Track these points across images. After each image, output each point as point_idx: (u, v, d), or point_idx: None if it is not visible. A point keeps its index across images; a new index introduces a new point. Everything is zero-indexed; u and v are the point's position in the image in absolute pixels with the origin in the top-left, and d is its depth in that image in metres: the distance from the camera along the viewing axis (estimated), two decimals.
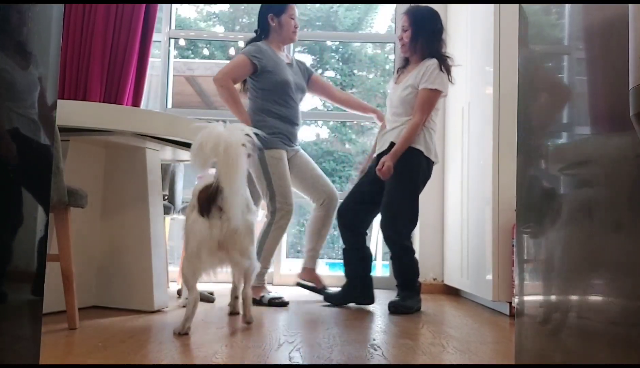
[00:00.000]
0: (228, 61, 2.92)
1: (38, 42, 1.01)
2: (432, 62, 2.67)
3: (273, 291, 2.83)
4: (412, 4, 2.90)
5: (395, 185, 2.66)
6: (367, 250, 2.85)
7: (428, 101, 2.65)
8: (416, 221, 2.73)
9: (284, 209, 2.77)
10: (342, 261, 2.89)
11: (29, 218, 1.00)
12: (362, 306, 2.79)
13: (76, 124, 2.07)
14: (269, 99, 2.86)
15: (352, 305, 2.83)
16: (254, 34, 3.01)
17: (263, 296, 2.73)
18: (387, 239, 2.70)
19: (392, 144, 2.71)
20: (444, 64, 2.69)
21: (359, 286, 2.78)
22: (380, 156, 2.79)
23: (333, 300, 2.82)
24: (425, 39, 2.73)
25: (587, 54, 1.05)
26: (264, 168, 2.79)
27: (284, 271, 3.77)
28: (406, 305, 2.61)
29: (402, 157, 2.65)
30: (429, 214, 3.59)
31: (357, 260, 2.81)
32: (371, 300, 2.79)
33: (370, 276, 2.81)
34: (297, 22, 2.96)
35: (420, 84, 2.67)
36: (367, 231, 2.89)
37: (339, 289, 2.85)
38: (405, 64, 2.87)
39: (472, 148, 2.95)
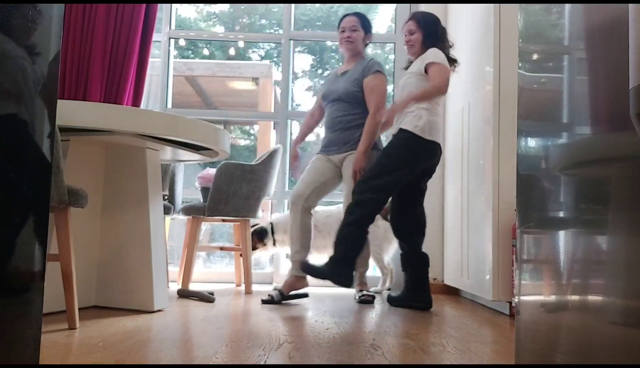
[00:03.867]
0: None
1: (38, 41, 1.01)
2: (433, 49, 2.77)
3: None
4: (415, 12, 2.96)
5: (379, 158, 2.73)
6: (423, 253, 2.83)
7: (439, 71, 2.69)
8: (383, 198, 2.68)
9: (291, 201, 2.96)
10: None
11: (29, 217, 1.00)
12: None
13: (76, 124, 2.07)
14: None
15: (349, 305, 2.83)
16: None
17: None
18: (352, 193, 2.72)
19: (400, 130, 2.73)
20: (447, 58, 2.78)
21: (415, 291, 2.79)
22: None
23: (393, 301, 2.85)
24: (433, 41, 2.83)
25: (587, 54, 1.05)
26: None
27: (284, 271, 3.77)
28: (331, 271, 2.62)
29: (396, 137, 2.73)
30: (429, 215, 3.58)
31: (413, 263, 2.83)
32: (428, 305, 2.76)
33: (426, 280, 2.81)
34: (347, 33, 3.10)
35: (424, 63, 2.74)
36: (417, 230, 2.87)
37: (400, 292, 2.88)
38: (408, 67, 2.95)
39: (472, 148, 2.95)
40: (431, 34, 2.83)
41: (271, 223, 3.51)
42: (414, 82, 2.76)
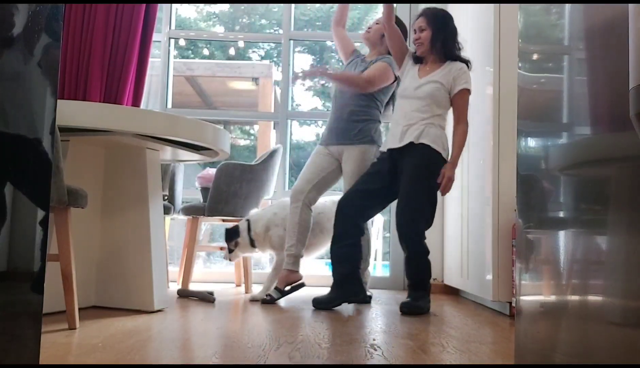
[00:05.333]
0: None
1: (38, 42, 1.01)
2: (462, 66, 2.69)
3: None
4: (426, 7, 2.88)
5: (416, 185, 2.61)
6: (361, 247, 2.81)
7: (467, 103, 2.68)
8: (432, 221, 2.70)
9: (292, 196, 2.95)
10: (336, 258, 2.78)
11: (29, 218, 1.00)
12: (360, 304, 2.80)
13: (76, 124, 2.07)
14: None
15: (349, 305, 2.83)
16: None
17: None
18: (406, 238, 2.64)
19: (410, 144, 2.63)
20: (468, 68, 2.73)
21: (354, 284, 2.74)
22: (391, 151, 2.71)
23: (324, 304, 2.67)
24: (443, 40, 2.73)
25: (587, 54, 1.05)
26: None
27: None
28: (419, 305, 2.59)
29: (427, 157, 2.62)
30: None
31: (353, 256, 2.75)
32: (368, 297, 2.84)
33: (359, 273, 2.79)
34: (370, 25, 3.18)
35: (457, 85, 2.65)
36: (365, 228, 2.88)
37: (327, 292, 2.72)
38: (421, 61, 2.82)
39: (472, 148, 2.95)
40: (439, 31, 2.73)
41: (248, 220, 3.09)
42: (443, 97, 2.67)
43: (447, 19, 2.79)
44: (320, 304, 2.66)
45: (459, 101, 2.66)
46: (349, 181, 2.93)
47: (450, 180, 2.61)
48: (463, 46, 2.79)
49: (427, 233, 3.73)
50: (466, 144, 3.03)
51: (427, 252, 2.68)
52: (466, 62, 2.73)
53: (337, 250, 2.74)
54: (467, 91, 2.66)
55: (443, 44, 2.72)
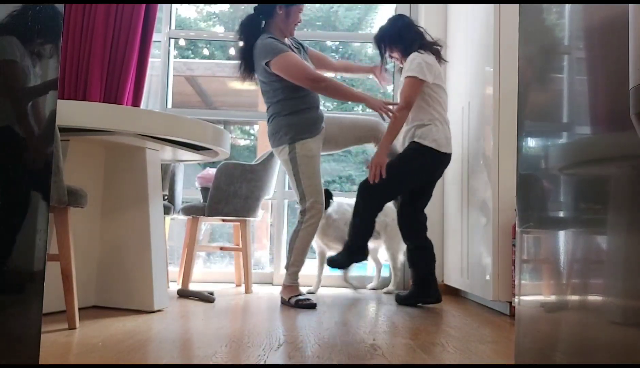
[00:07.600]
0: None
1: (38, 42, 1.01)
2: (412, 56, 2.78)
3: (301, 294, 2.80)
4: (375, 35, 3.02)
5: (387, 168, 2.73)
6: (430, 245, 2.90)
7: (411, 88, 2.72)
8: (385, 198, 2.81)
9: (315, 208, 2.78)
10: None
11: (29, 217, 1.00)
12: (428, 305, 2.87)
13: (76, 124, 2.07)
14: (295, 91, 2.79)
15: (349, 305, 2.83)
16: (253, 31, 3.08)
17: (291, 298, 2.75)
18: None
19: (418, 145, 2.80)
20: (429, 50, 2.81)
21: (430, 287, 2.84)
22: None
23: (402, 300, 2.89)
24: (396, 41, 2.88)
25: (587, 54, 1.05)
26: (294, 165, 2.78)
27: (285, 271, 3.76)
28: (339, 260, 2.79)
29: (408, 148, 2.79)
30: (429, 214, 3.58)
31: (425, 259, 2.87)
32: (438, 299, 2.84)
33: (432, 275, 2.87)
34: (300, 18, 3.04)
35: (403, 75, 2.80)
36: (421, 229, 2.97)
37: (408, 290, 2.94)
38: None
39: (472, 148, 2.95)
40: (390, 39, 2.89)
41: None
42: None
43: (388, 25, 2.94)
44: (402, 300, 2.89)
45: (403, 87, 2.75)
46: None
47: (378, 166, 2.70)
48: (422, 30, 2.89)
49: (428, 232, 3.72)
50: (466, 143, 3.04)
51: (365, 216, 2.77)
52: (429, 44, 2.83)
53: (411, 254, 2.92)
54: (409, 78, 2.72)
55: (399, 44, 2.87)
